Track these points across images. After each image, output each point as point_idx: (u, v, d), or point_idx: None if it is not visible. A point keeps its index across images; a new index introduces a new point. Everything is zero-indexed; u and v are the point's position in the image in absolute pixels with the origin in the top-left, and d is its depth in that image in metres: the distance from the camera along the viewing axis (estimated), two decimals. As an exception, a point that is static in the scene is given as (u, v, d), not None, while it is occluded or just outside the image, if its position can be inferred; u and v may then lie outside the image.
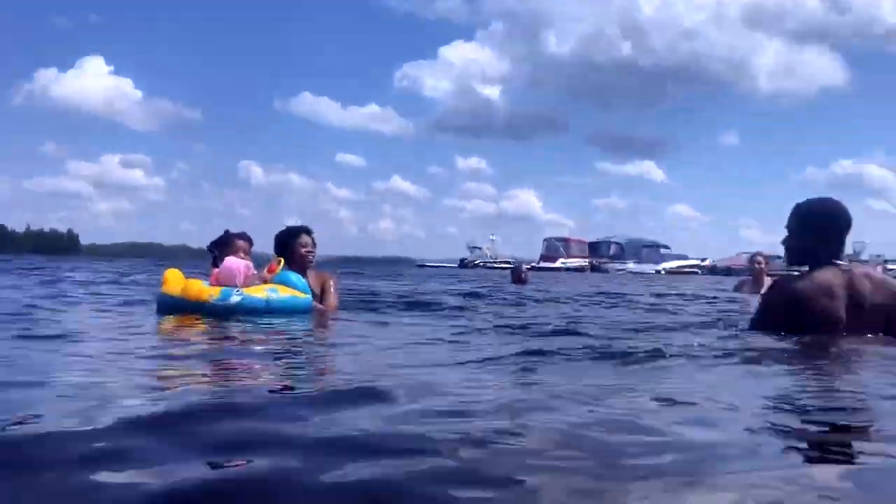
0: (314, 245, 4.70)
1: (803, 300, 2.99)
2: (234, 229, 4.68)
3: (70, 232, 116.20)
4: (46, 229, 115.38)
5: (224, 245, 4.50)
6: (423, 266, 43.80)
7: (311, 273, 4.64)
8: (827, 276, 3.00)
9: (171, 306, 4.10)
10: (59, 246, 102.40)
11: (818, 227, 3.10)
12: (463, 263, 48.38)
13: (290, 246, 4.60)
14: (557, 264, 44.98)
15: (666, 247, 46.52)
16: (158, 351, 2.89)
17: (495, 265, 42.94)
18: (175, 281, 4.19)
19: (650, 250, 46.20)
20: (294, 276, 4.32)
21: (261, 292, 4.10)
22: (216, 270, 4.26)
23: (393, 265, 47.12)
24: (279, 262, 4.38)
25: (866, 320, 3.02)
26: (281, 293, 4.16)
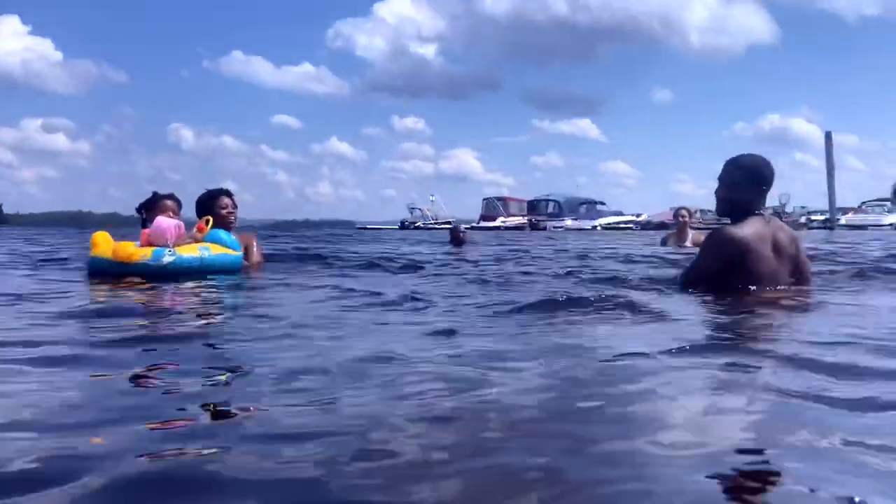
0: (235, 206, 4.79)
1: (753, 248, 3.14)
2: (163, 193, 4.69)
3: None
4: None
5: (152, 206, 4.55)
6: (363, 229, 43.53)
7: (233, 234, 4.69)
8: (758, 226, 3.20)
9: (103, 269, 4.08)
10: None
11: (747, 180, 3.30)
12: (403, 225, 48.27)
13: (211, 208, 4.69)
14: (497, 223, 45.33)
15: (602, 203, 47.44)
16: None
17: (436, 226, 43.01)
18: (105, 243, 4.17)
19: (587, 207, 47.01)
20: (224, 234, 4.39)
21: (194, 251, 4.13)
22: (146, 231, 4.27)
23: (332, 228, 46.65)
24: (207, 221, 4.45)
25: (785, 269, 3.28)
26: (213, 251, 4.21)
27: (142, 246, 4.14)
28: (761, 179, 3.31)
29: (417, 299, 3.04)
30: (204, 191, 4.84)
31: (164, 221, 4.20)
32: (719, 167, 3.45)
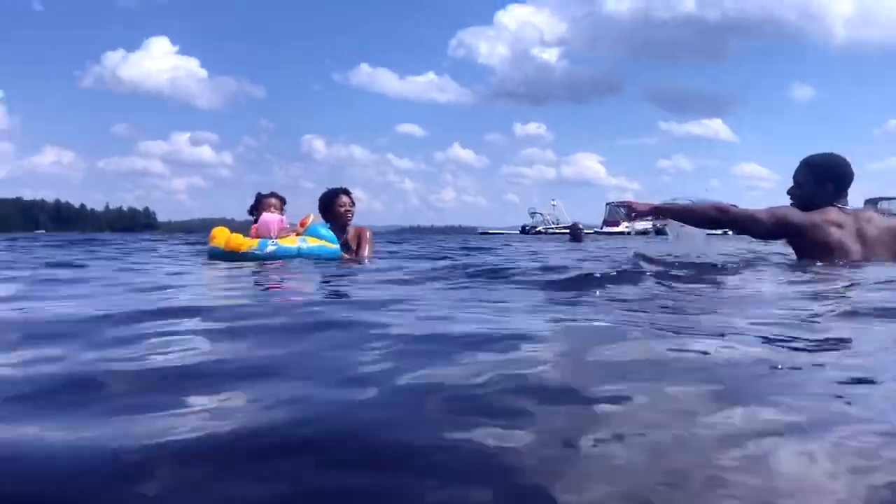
0: (352, 204, 5.24)
1: (817, 223, 3.24)
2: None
3: (147, 209, 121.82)
4: (125, 208, 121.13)
5: (259, 205, 5.21)
6: (485, 233, 43.89)
7: (350, 228, 5.18)
8: (832, 213, 3.18)
9: (218, 256, 4.68)
10: (137, 223, 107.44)
11: (827, 179, 3.37)
12: (525, 230, 48.23)
13: (331, 205, 5.16)
14: (621, 228, 44.15)
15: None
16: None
17: (557, 231, 42.59)
18: (220, 236, 4.77)
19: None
20: (322, 229, 4.82)
21: (293, 242, 4.63)
22: (255, 226, 4.87)
23: (456, 234, 47.37)
24: (309, 217, 4.92)
25: (874, 253, 3.14)
26: (310, 243, 4.67)
27: (252, 238, 4.71)
28: (831, 177, 3.33)
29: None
30: (326, 189, 5.29)
31: (267, 217, 4.82)
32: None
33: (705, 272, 3.13)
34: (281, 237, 4.65)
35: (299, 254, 4.56)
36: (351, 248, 5.07)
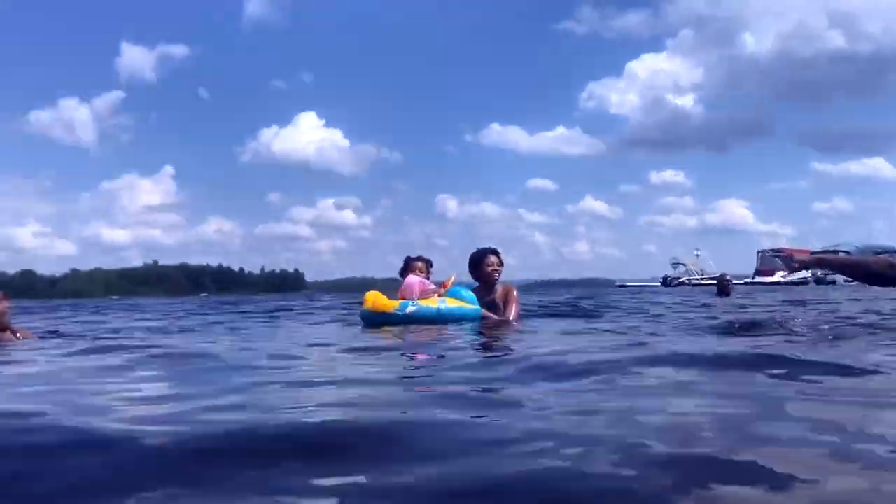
0: (500, 264, 5.30)
1: None
2: (433, 258, 5.51)
3: (297, 271, 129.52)
4: (277, 270, 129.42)
5: (406, 267, 5.38)
6: (622, 286, 42.48)
7: (497, 287, 5.24)
8: None
9: (368, 317, 4.95)
10: (288, 284, 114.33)
11: None
12: (666, 282, 46.13)
13: (480, 264, 5.25)
14: (776, 278, 41.16)
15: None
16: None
17: (702, 282, 40.41)
18: (371, 298, 4.99)
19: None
20: (464, 291, 4.94)
21: (433, 303, 4.79)
22: (401, 288, 5.03)
23: (591, 287, 46.20)
24: (451, 278, 5.10)
25: None
26: (449, 304, 4.79)
27: (398, 299, 4.91)
28: None
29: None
30: (476, 249, 5.37)
31: (411, 279, 4.97)
32: None
33: None
34: (422, 298, 4.78)
35: (438, 314, 4.69)
36: (498, 307, 5.10)
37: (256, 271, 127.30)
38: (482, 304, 4.99)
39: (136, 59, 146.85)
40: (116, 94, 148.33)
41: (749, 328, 3.96)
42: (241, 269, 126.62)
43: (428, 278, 5.18)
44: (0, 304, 4.09)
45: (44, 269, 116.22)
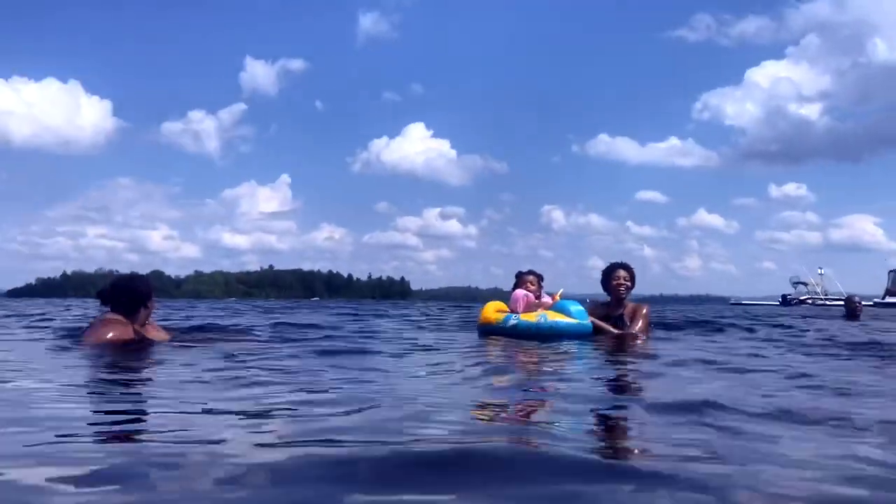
0: (628, 279, 5.19)
1: None
2: (537, 270, 5.64)
3: (403, 279, 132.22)
4: (384, 277, 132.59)
5: (518, 281, 5.60)
6: (737, 304, 40.55)
7: (627, 303, 5.21)
8: None
9: (480, 328, 5.31)
10: (394, 291, 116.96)
11: None
12: (785, 300, 43.56)
13: (608, 279, 5.25)
14: (910, 299, 38.00)
15: None
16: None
17: (826, 302, 37.92)
18: (485, 309, 5.33)
19: None
20: (572, 305, 5.00)
21: (532, 317, 4.94)
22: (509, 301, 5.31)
23: (702, 304, 44.35)
24: (559, 292, 5.28)
25: None
26: (551, 318, 4.90)
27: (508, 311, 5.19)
28: None
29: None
30: (608, 264, 5.39)
31: (517, 293, 5.22)
32: None
33: None
34: (526, 312, 4.98)
35: (537, 328, 4.81)
36: (626, 324, 5.07)
37: (364, 278, 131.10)
38: (609, 319, 5.01)
39: (258, 73, 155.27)
40: (239, 107, 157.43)
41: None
42: (350, 276, 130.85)
43: (539, 292, 5.33)
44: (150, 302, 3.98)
45: (170, 271, 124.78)
